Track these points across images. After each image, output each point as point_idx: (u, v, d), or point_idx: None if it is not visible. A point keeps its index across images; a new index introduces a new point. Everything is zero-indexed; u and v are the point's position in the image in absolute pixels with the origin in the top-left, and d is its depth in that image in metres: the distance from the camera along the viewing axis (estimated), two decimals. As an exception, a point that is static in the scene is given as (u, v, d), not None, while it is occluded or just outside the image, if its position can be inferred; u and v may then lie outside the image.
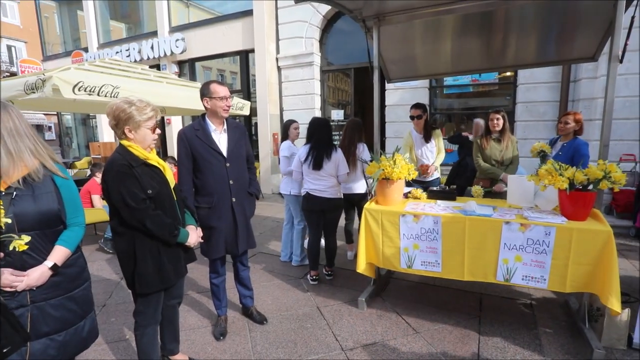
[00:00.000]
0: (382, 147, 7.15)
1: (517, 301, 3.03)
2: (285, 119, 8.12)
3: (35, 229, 1.39)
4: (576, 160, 2.97)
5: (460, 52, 3.65)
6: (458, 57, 3.74)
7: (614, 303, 2.07)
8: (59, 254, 1.45)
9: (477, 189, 3.25)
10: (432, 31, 3.32)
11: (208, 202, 2.39)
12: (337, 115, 8.18)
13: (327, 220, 3.41)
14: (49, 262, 1.42)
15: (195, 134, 2.35)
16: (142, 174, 1.74)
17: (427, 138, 3.84)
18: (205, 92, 2.36)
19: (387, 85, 6.59)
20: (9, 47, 26.34)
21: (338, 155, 3.26)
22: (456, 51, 3.64)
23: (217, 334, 2.61)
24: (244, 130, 2.62)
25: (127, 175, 1.69)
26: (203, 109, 2.43)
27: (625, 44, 2.31)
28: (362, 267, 2.83)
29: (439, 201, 2.95)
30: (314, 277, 3.46)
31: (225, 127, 2.45)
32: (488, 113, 3.51)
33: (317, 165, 3.23)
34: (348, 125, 3.72)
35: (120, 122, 1.73)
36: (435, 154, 3.90)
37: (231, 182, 2.42)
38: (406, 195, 3.13)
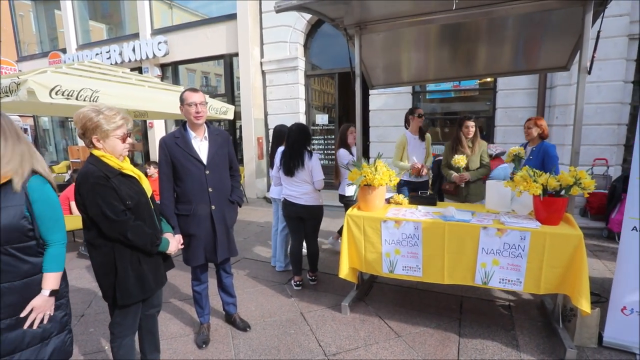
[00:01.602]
0: (367, 151, 7.24)
1: (496, 303, 3.12)
2: (270, 123, 8.15)
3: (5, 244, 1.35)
4: (547, 162, 3.19)
5: (440, 60, 3.74)
6: (439, 65, 3.83)
7: (584, 304, 2.16)
8: (49, 280, 1.48)
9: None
10: (413, 40, 3.40)
11: (187, 210, 2.39)
12: (321, 119, 8.24)
13: (307, 226, 3.43)
14: (45, 291, 1.47)
15: (175, 141, 2.35)
16: (119, 184, 1.71)
17: (422, 138, 4.07)
18: (180, 99, 2.39)
19: (371, 91, 6.68)
20: (-19, 46, 25.38)
21: (312, 162, 3.25)
22: (437, 59, 3.73)
23: (200, 342, 2.59)
24: (227, 136, 2.61)
25: (104, 187, 1.66)
26: None
27: (593, 56, 2.43)
28: (344, 272, 2.87)
29: (420, 207, 3.02)
30: (298, 283, 3.47)
31: (206, 134, 2.45)
32: (461, 119, 3.58)
33: (288, 171, 3.28)
34: (340, 130, 3.97)
35: (87, 132, 1.67)
36: (424, 155, 4.08)
37: (210, 189, 2.41)
38: (388, 201, 3.19)
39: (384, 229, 2.71)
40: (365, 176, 2.76)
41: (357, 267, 2.91)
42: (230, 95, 8.74)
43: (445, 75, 4.14)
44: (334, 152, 8.06)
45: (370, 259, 2.80)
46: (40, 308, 1.46)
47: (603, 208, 5.09)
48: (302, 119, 7.90)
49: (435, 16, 2.82)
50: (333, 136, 8.09)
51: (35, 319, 1.45)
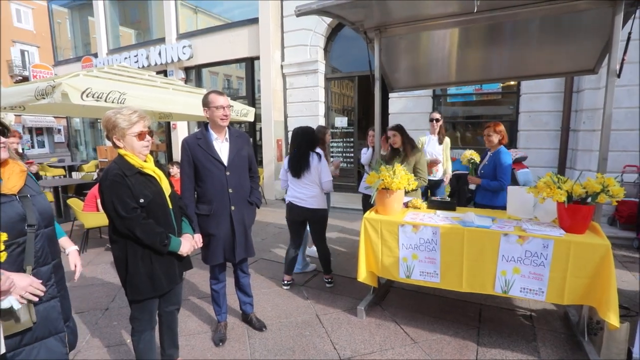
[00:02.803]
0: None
1: (517, 312, 3.02)
2: (290, 125, 8.20)
3: (49, 226, 1.49)
4: (498, 168, 3.22)
5: (462, 63, 3.67)
6: (460, 68, 3.76)
7: (612, 317, 2.06)
8: (68, 241, 1.68)
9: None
10: (434, 42, 3.35)
11: (207, 210, 2.43)
12: (340, 122, 8.22)
13: (313, 230, 3.46)
14: (74, 247, 1.68)
15: (197, 142, 2.40)
16: (135, 183, 1.77)
17: (440, 141, 4.44)
18: (204, 102, 2.41)
19: (391, 94, 6.62)
20: (22, 52, 26.84)
21: (320, 164, 3.28)
22: (459, 62, 3.66)
23: (217, 340, 2.63)
24: (247, 138, 2.65)
25: (120, 184, 1.73)
26: None
27: (623, 59, 2.32)
28: (362, 276, 2.84)
29: (438, 211, 2.96)
30: (287, 282, 3.53)
31: (227, 135, 2.49)
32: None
33: (295, 173, 3.31)
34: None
35: (109, 132, 1.78)
36: (442, 159, 4.37)
37: (230, 190, 2.45)
38: (406, 205, 3.15)
39: (401, 233, 2.67)
40: (383, 179, 2.73)
41: (374, 271, 2.88)
42: (251, 97, 8.87)
43: (467, 78, 4.06)
44: (352, 155, 8.06)
45: (387, 263, 2.77)
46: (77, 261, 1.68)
47: (633, 217, 4.83)
48: (322, 122, 7.91)
49: (456, 19, 2.77)
50: (352, 139, 8.07)
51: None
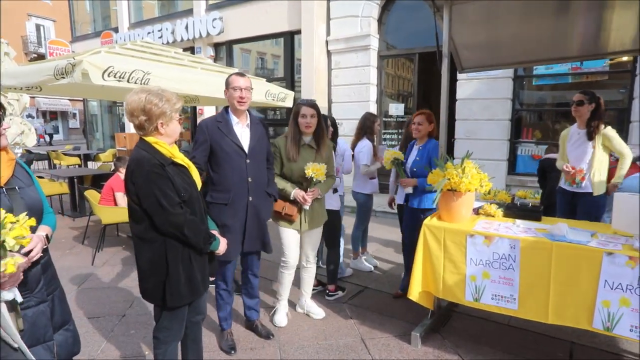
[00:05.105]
0: (451, 150, 7.00)
1: (623, 358, 2.84)
2: (335, 113, 8.26)
3: (39, 221, 1.61)
4: (433, 164, 3.15)
5: (555, 34, 3.50)
6: (553, 41, 3.59)
7: None
8: (45, 228, 1.67)
9: None
10: (521, 9, 3.22)
11: (224, 199, 2.62)
12: (395, 109, 8.16)
13: (323, 232, 3.48)
14: (42, 233, 1.61)
15: (217, 125, 2.62)
16: (173, 174, 1.87)
17: (589, 135, 3.54)
18: (225, 83, 2.66)
19: (459, 75, 6.46)
20: (37, 27, 29.26)
21: None
22: (550, 33, 3.49)
23: (227, 347, 2.82)
24: (266, 127, 2.91)
25: (161, 176, 1.81)
26: None
27: None
28: (415, 294, 2.83)
29: (518, 220, 2.86)
30: (329, 293, 3.73)
31: (248, 121, 2.73)
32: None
33: None
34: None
35: (153, 117, 1.82)
36: (589, 157, 3.57)
37: (250, 179, 2.65)
38: (477, 211, 3.07)
39: (470, 246, 2.62)
40: (449, 179, 2.69)
41: (431, 290, 2.85)
42: (290, 79, 9.05)
43: (561, 55, 3.86)
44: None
45: (451, 282, 2.72)
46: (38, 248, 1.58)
47: None
48: (373, 109, 7.90)
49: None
50: (409, 130, 7.99)
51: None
